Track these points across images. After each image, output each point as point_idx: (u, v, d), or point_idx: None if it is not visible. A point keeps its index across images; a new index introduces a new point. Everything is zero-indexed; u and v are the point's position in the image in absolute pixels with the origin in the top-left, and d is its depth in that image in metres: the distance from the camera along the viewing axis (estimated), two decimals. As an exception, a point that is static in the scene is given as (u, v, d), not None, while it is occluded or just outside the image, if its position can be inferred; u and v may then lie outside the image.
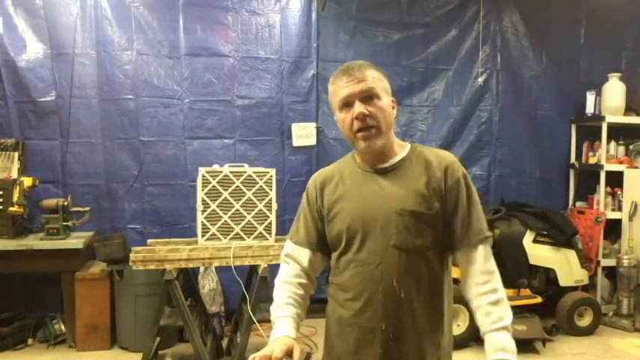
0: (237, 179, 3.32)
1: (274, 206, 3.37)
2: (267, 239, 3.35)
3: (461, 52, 4.87)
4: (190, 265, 3.26)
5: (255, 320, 3.08)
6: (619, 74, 4.87)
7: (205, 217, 3.28)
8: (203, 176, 3.28)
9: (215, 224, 3.30)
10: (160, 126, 4.35)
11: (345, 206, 1.51)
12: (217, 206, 3.29)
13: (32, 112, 4.19)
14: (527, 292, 4.19)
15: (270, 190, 3.37)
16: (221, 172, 3.31)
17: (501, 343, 1.39)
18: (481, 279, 1.45)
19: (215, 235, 3.30)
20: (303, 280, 1.57)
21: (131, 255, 3.13)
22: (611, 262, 4.70)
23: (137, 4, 4.27)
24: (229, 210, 3.31)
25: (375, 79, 1.48)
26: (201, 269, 4.12)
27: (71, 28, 4.20)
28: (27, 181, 3.89)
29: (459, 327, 3.79)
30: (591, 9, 5.05)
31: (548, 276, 4.31)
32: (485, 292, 1.44)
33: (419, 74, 4.80)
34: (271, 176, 3.38)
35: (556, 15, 5.01)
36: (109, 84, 4.26)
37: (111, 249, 3.75)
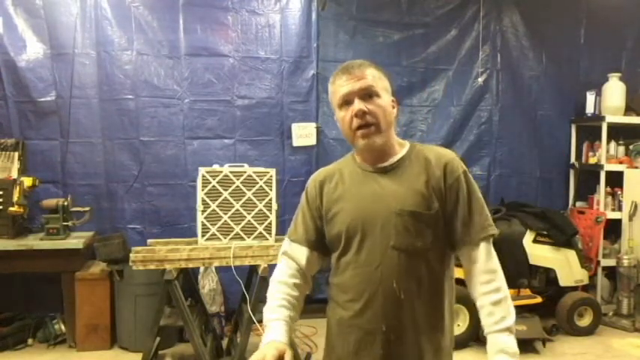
0: (237, 179, 3.32)
1: (274, 206, 3.37)
2: (267, 239, 3.35)
3: (461, 52, 4.87)
4: (190, 265, 3.26)
5: (255, 320, 3.08)
6: (619, 74, 4.87)
7: (205, 217, 3.28)
8: (203, 176, 3.28)
9: (215, 224, 3.30)
10: (160, 126, 4.35)
11: (345, 206, 1.50)
12: (217, 206, 3.29)
13: (32, 112, 4.19)
14: (527, 292, 4.19)
15: (270, 190, 3.37)
16: (221, 172, 3.31)
17: (503, 344, 1.38)
18: (484, 278, 1.44)
19: (215, 235, 3.30)
20: (298, 281, 1.56)
21: (131, 255, 3.13)
22: (611, 262, 4.70)
23: (137, 4, 4.27)
24: (229, 210, 3.31)
25: (375, 77, 1.48)
26: (201, 269, 4.12)
27: (71, 28, 4.20)
28: (27, 181, 3.89)
29: (459, 327, 3.79)
30: (591, 9, 5.05)
31: (548, 276, 4.31)
32: (487, 292, 1.43)
33: (419, 74, 4.80)
34: (271, 176, 3.38)
35: (556, 15, 5.01)
36: (109, 84, 4.26)
37: (111, 249, 3.75)
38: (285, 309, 1.50)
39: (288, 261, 1.59)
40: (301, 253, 1.58)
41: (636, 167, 4.84)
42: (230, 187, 3.31)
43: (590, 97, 4.91)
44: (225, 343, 3.89)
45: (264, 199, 3.35)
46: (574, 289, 4.37)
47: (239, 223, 3.32)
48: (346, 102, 1.47)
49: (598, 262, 4.73)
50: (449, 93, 4.86)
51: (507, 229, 4.13)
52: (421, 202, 1.44)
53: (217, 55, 4.41)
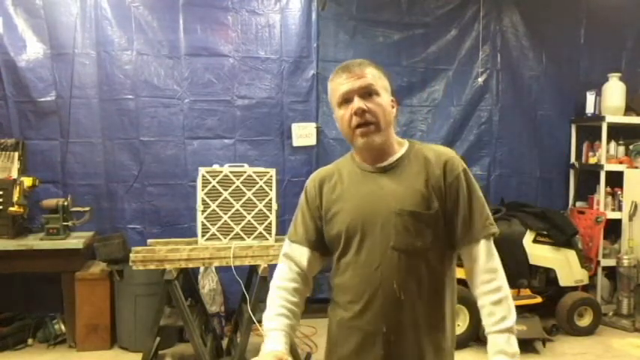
0: (237, 179, 3.32)
1: (274, 206, 3.37)
2: (267, 239, 3.35)
3: (461, 52, 4.87)
4: (190, 265, 3.26)
5: (255, 320, 3.08)
6: (619, 74, 4.87)
7: (205, 217, 3.28)
8: (203, 176, 3.28)
9: (215, 224, 3.29)
10: (160, 126, 4.35)
11: (344, 206, 1.50)
12: (217, 206, 3.29)
13: (32, 112, 4.19)
14: (527, 292, 4.19)
15: (270, 190, 3.37)
16: (221, 172, 3.31)
17: (502, 345, 1.38)
18: (484, 277, 1.43)
19: (215, 235, 3.30)
20: (299, 285, 1.55)
21: (131, 255, 3.13)
22: (611, 262, 4.70)
23: (137, 4, 4.27)
24: (229, 210, 3.31)
25: (375, 76, 1.47)
26: (201, 269, 4.12)
27: (71, 28, 4.20)
28: (27, 181, 3.89)
29: (459, 327, 3.78)
30: (591, 9, 5.05)
31: (548, 276, 4.31)
32: (488, 291, 1.42)
33: (419, 74, 4.80)
34: (271, 176, 3.38)
35: (556, 15, 5.01)
36: (109, 84, 4.26)
37: (111, 249, 3.75)
38: (285, 317, 1.49)
39: (288, 263, 1.58)
40: (302, 253, 1.56)
41: (636, 167, 4.84)
42: (230, 187, 3.31)
43: (590, 97, 4.91)
44: (225, 343, 3.89)
45: (264, 199, 3.35)
46: (574, 289, 4.37)
47: (239, 223, 3.32)
48: (346, 100, 1.46)
49: (598, 262, 4.73)
50: (449, 93, 4.86)
51: (507, 229, 4.13)
52: (421, 202, 1.43)
53: (217, 55, 4.41)
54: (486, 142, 4.96)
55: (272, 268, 3.10)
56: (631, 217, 4.72)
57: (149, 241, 3.52)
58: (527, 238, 4.21)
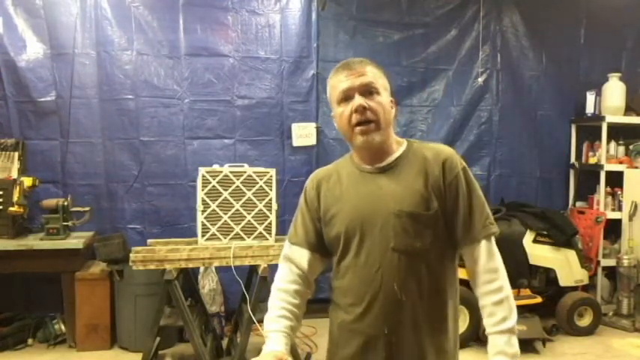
0: (237, 179, 3.32)
1: (274, 206, 3.37)
2: (267, 239, 3.35)
3: (461, 52, 4.87)
4: (190, 265, 3.26)
5: (255, 320, 3.08)
6: (619, 74, 4.87)
7: (205, 217, 3.28)
8: (203, 176, 3.28)
9: (215, 224, 3.29)
10: (160, 126, 4.35)
11: (343, 208, 1.48)
12: (217, 206, 3.29)
13: (32, 112, 4.19)
14: (527, 292, 4.19)
15: (270, 190, 3.37)
16: (221, 172, 3.31)
17: (502, 346, 1.37)
18: (485, 277, 1.42)
19: (215, 235, 3.30)
20: (300, 287, 1.55)
21: (131, 255, 3.13)
22: (611, 262, 4.70)
23: (137, 4, 4.27)
24: (229, 210, 3.31)
25: (376, 75, 1.46)
26: (201, 269, 4.12)
27: (71, 28, 4.20)
28: (27, 181, 3.89)
29: (459, 327, 3.78)
30: (591, 9, 5.05)
31: (548, 276, 4.31)
32: (489, 292, 1.41)
33: (419, 74, 4.80)
34: (271, 176, 3.38)
35: (556, 15, 5.01)
36: (109, 84, 4.26)
37: (111, 249, 3.75)
38: (285, 319, 1.48)
39: (289, 265, 1.57)
40: (302, 255, 1.56)
41: (636, 167, 4.84)
42: (230, 187, 3.31)
43: (590, 97, 4.91)
44: (225, 343, 3.89)
45: (264, 199, 3.35)
46: (574, 289, 4.37)
47: (239, 223, 3.32)
48: (346, 98, 1.44)
49: (598, 262, 4.72)
50: (449, 93, 4.86)
51: (507, 229, 4.13)
52: (420, 203, 1.42)
53: (217, 55, 4.41)
54: (486, 142, 4.96)
55: (272, 268, 3.10)
56: (631, 217, 4.72)
57: (149, 241, 3.52)
58: (527, 238, 4.21)
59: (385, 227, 1.42)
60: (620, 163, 4.86)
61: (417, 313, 1.42)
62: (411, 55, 4.78)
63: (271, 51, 4.49)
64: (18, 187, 3.83)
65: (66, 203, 3.91)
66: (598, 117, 4.86)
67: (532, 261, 4.20)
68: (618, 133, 4.94)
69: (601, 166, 4.79)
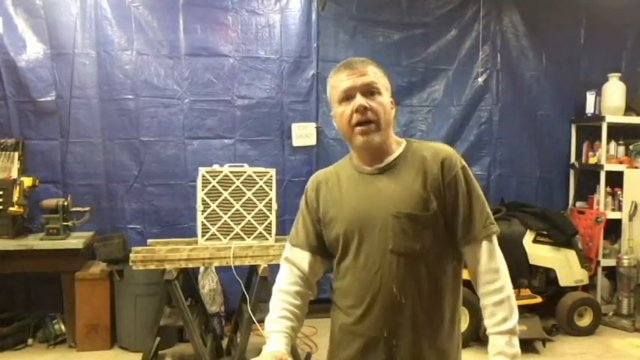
0: (237, 179, 3.32)
1: (274, 206, 3.37)
2: (267, 239, 3.35)
3: (461, 52, 4.87)
4: (190, 265, 3.26)
5: (255, 320, 3.08)
6: (619, 74, 4.87)
7: (205, 217, 3.28)
8: (203, 176, 3.28)
9: (215, 224, 3.29)
10: (160, 126, 4.35)
11: (342, 210, 1.48)
12: (217, 206, 3.29)
13: (32, 112, 4.19)
14: (527, 292, 4.19)
15: (270, 190, 3.37)
16: (221, 172, 3.31)
17: (502, 347, 1.37)
18: (486, 278, 1.41)
19: (215, 235, 3.30)
20: (301, 288, 1.54)
21: (131, 255, 3.13)
22: (611, 262, 4.70)
23: (137, 4, 4.27)
24: (229, 210, 3.31)
25: (377, 75, 1.45)
26: (201, 269, 4.12)
27: (71, 28, 4.20)
28: (27, 181, 3.89)
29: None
30: (591, 9, 5.05)
31: (548, 276, 4.31)
32: (489, 292, 1.40)
33: (419, 74, 4.80)
34: (271, 176, 3.38)
35: (556, 15, 5.01)
36: (109, 84, 4.26)
37: (111, 249, 3.75)
38: (286, 320, 1.48)
39: (290, 266, 1.57)
40: (303, 257, 1.55)
41: (636, 167, 4.83)
42: (230, 187, 3.31)
43: (590, 97, 4.91)
44: (225, 343, 3.89)
45: (264, 199, 3.35)
46: (574, 289, 4.37)
47: (239, 223, 3.32)
48: (347, 97, 1.43)
49: (598, 262, 4.72)
50: (449, 93, 4.86)
51: (507, 229, 4.13)
52: (418, 203, 1.41)
53: (217, 55, 4.40)
54: (486, 142, 4.96)
55: (272, 268, 3.11)
56: (631, 217, 4.72)
57: (149, 241, 3.52)
58: (527, 238, 4.21)
59: (384, 229, 1.41)
60: (620, 163, 4.86)
61: (417, 315, 1.41)
62: (411, 55, 4.78)
63: (271, 51, 4.48)
64: (18, 187, 3.83)
65: (66, 203, 3.91)
66: (598, 117, 4.86)
67: (532, 261, 4.20)
68: (618, 133, 4.94)
69: (601, 166, 4.79)
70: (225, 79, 4.42)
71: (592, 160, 4.93)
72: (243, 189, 3.32)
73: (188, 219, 4.22)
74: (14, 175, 3.94)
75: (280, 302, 1.51)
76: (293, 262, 1.57)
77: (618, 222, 4.78)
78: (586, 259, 4.52)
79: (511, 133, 4.99)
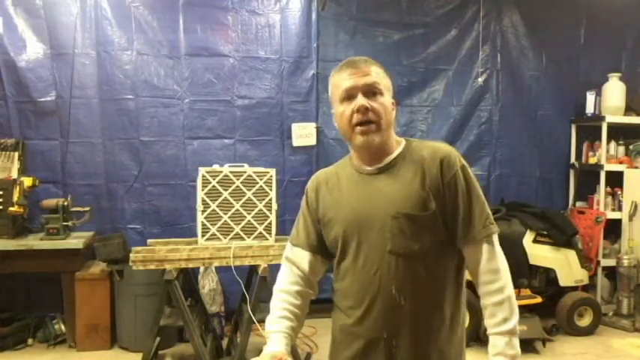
0: (237, 179, 3.32)
1: (274, 206, 3.37)
2: (267, 239, 3.35)
3: (461, 52, 4.87)
4: (190, 265, 3.26)
5: (255, 320, 3.08)
6: (619, 74, 4.87)
7: (205, 217, 3.28)
8: (203, 176, 3.28)
9: (215, 224, 3.29)
10: (160, 126, 4.35)
11: (341, 210, 1.48)
12: (217, 206, 3.29)
13: (32, 112, 4.19)
14: (527, 292, 4.19)
15: (270, 190, 3.37)
16: (221, 172, 3.31)
17: (502, 348, 1.37)
18: (486, 278, 1.40)
19: (215, 235, 3.30)
20: (301, 288, 1.54)
21: (131, 255, 3.13)
22: (611, 262, 4.70)
23: (137, 4, 4.27)
24: (229, 210, 3.31)
25: (380, 75, 1.45)
26: (201, 269, 4.12)
27: (71, 28, 4.20)
28: (27, 181, 3.89)
29: (459, 327, 3.78)
30: (591, 9, 5.05)
31: (548, 276, 4.31)
32: (490, 292, 1.40)
33: (419, 74, 4.81)
34: (271, 176, 3.38)
35: (556, 15, 5.01)
36: (109, 84, 4.26)
37: (111, 249, 3.75)
38: (287, 320, 1.48)
39: (290, 266, 1.57)
40: (304, 257, 1.56)
41: (636, 167, 4.84)
42: (230, 187, 3.31)
43: (590, 97, 4.91)
44: (225, 343, 3.89)
45: (264, 199, 3.35)
46: (574, 289, 4.37)
47: (239, 223, 3.32)
48: (348, 97, 1.42)
49: (598, 262, 4.72)
50: (449, 93, 4.86)
51: (507, 229, 4.13)
52: (417, 203, 1.39)
53: (217, 55, 4.40)
54: (486, 142, 4.96)
55: (272, 268, 3.11)
56: (631, 217, 4.72)
57: (149, 241, 3.52)
58: (527, 238, 4.21)
59: (382, 230, 1.40)
60: (620, 163, 4.86)
61: (417, 316, 1.41)
62: (411, 55, 4.78)
63: (271, 51, 4.48)
64: (18, 187, 3.83)
65: (66, 203, 3.91)
66: (598, 117, 4.85)
67: (532, 261, 4.20)
68: (618, 133, 4.94)
69: (601, 166, 4.79)
70: (225, 79, 4.42)
71: (592, 160, 4.93)
72: (243, 189, 3.32)
73: (188, 219, 4.22)
74: (14, 175, 3.94)
75: (280, 302, 1.52)
76: (293, 262, 1.57)
77: (618, 222, 4.78)
78: (586, 259, 4.52)
79: (511, 133, 4.99)
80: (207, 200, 3.28)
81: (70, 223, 3.93)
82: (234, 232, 3.31)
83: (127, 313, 3.86)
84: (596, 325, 4.32)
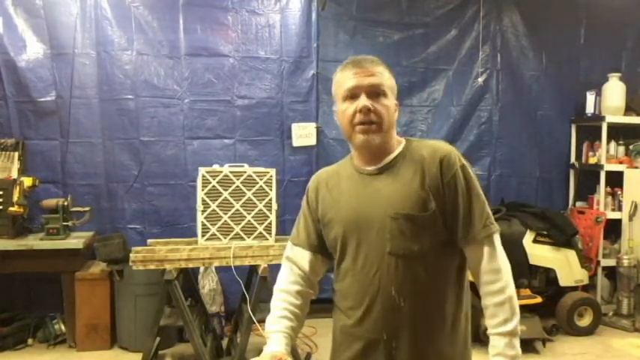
0: (237, 179, 3.32)
1: (274, 206, 3.37)
2: (267, 239, 3.35)
3: (461, 52, 4.87)
4: (190, 265, 3.26)
5: (255, 320, 3.08)
6: (619, 74, 4.87)
7: (205, 217, 3.28)
8: (203, 176, 3.28)
9: (215, 224, 3.29)
10: (160, 126, 4.35)
11: (340, 211, 1.47)
12: (217, 206, 3.29)
13: (32, 112, 4.19)
14: (527, 292, 4.19)
15: (270, 190, 3.37)
16: (221, 172, 3.31)
17: (502, 348, 1.37)
18: (487, 278, 1.40)
19: (215, 235, 3.30)
20: (301, 287, 1.54)
21: (131, 255, 3.12)
22: (611, 262, 4.70)
23: (137, 4, 4.27)
24: (229, 210, 3.31)
25: (385, 76, 1.44)
26: (201, 269, 4.12)
27: (71, 28, 4.20)
28: (27, 181, 3.89)
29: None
30: (591, 9, 5.05)
31: (548, 276, 4.31)
32: (491, 293, 1.40)
33: (419, 74, 4.81)
34: (271, 176, 3.38)
35: (556, 15, 5.01)
36: (109, 84, 4.26)
37: (111, 249, 3.75)
38: (286, 320, 1.48)
39: (290, 266, 1.57)
40: (304, 257, 1.56)
41: (636, 167, 4.83)
42: (230, 187, 3.31)
43: (590, 97, 4.91)
44: (225, 343, 3.89)
45: (264, 199, 3.35)
46: (574, 289, 4.37)
47: (239, 223, 3.32)
48: (352, 96, 1.42)
49: (598, 262, 4.72)
50: (449, 93, 4.86)
51: (507, 229, 4.13)
52: (416, 204, 1.39)
53: (217, 55, 4.40)
54: (486, 142, 4.96)
55: (272, 268, 3.11)
56: (631, 217, 4.72)
57: (149, 241, 3.52)
58: (527, 238, 4.21)
59: (381, 231, 1.40)
60: (620, 163, 4.86)
61: (417, 317, 1.40)
62: (411, 55, 4.78)
63: (271, 51, 4.48)
64: (18, 187, 3.83)
65: (66, 203, 3.91)
66: (598, 117, 4.85)
67: (532, 261, 4.20)
68: (618, 133, 4.94)
69: (601, 166, 4.79)
70: (225, 79, 4.42)
71: (592, 160, 4.93)
72: (243, 189, 3.32)
73: (188, 219, 4.22)
74: (14, 175, 3.94)
75: (281, 302, 1.51)
76: (294, 261, 1.57)
77: (618, 222, 4.78)
78: (586, 259, 4.52)
79: (511, 133, 4.99)
80: (207, 200, 3.28)
81: (70, 223, 3.93)
82: (234, 232, 3.31)
83: (127, 313, 3.86)
84: (596, 325, 4.32)
